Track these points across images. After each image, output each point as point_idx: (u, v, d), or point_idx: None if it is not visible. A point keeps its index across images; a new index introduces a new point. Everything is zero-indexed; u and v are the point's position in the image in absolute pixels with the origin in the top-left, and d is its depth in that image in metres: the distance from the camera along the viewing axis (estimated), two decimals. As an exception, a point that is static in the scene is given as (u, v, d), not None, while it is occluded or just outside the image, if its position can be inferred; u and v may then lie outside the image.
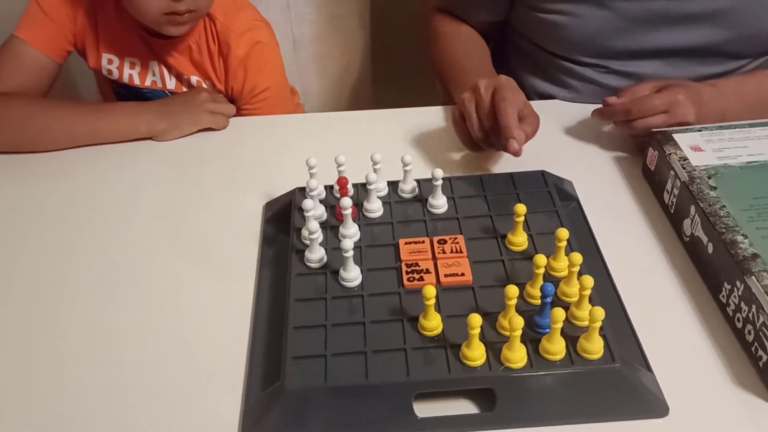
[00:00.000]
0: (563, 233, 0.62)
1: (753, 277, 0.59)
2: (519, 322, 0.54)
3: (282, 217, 0.74)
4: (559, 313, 0.54)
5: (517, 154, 0.73)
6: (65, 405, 0.59)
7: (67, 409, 0.59)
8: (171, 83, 1.01)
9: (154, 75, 1.00)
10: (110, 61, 0.99)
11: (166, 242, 0.75)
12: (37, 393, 0.60)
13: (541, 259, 0.59)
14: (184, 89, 1.01)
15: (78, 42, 0.98)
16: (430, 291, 0.57)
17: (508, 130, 0.73)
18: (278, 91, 1.04)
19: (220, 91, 1.01)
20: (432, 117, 0.92)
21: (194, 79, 1.00)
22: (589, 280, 0.57)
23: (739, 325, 0.60)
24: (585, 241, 0.70)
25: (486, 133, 0.77)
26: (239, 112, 1.02)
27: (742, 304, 0.60)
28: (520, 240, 0.66)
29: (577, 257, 0.59)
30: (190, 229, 0.76)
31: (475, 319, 0.54)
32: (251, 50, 0.98)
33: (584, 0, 0.88)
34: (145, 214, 0.79)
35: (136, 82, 1.00)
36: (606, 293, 0.64)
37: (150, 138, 0.90)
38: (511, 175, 0.76)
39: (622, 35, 0.89)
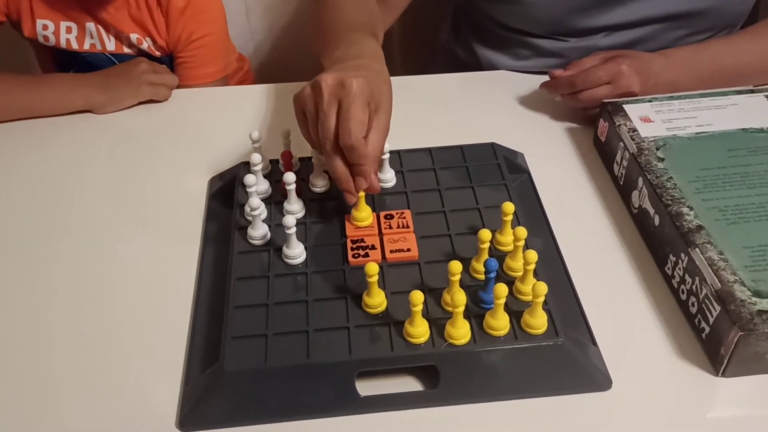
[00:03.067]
0: (509, 207, 0.61)
1: (697, 249, 0.59)
2: (461, 298, 0.53)
3: (226, 193, 0.72)
4: (502, 289, 0.53)
5: (360, 189, 0.62)
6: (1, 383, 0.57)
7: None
8: (110, 44, 0.97)
9: (92, 37, 0.96)
10: (45, 27, 0.95)
11: (106, 219, 0.72)
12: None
13: (485, 234, 0.58)
14: (125, 49, 0.98)
15: (12, 11, 0.94)
16: (373, 268, 0.55)
17: (356, 168, 0.61)
18: (216, 40, 1.01)
19: (162, 47, 0.99)
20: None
21: (134, 36, 0.97)
22: (532, 255, 0.56)
23: (684, 297, 0.60)
24: (534, 214, 0.70)
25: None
26: (177, 66, 1.00)
27: (686, 276, 0.60)
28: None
29: (522, 231, 0.58)
30: (132, 205, 0.74)
31: (417, 296, 0.53)
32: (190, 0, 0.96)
33: None
34: (85, 189, 0.76)
35: (74, 46, 0.97)
36: (554, 267, 0.64)
37: (89, 111, 0.87)
38: (461, 147, 0.75)
39: (585, 13, 0.88)
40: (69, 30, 0.96)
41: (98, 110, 0.87)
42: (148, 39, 0.97)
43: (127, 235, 0.70)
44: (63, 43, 0.96)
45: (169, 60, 1.01)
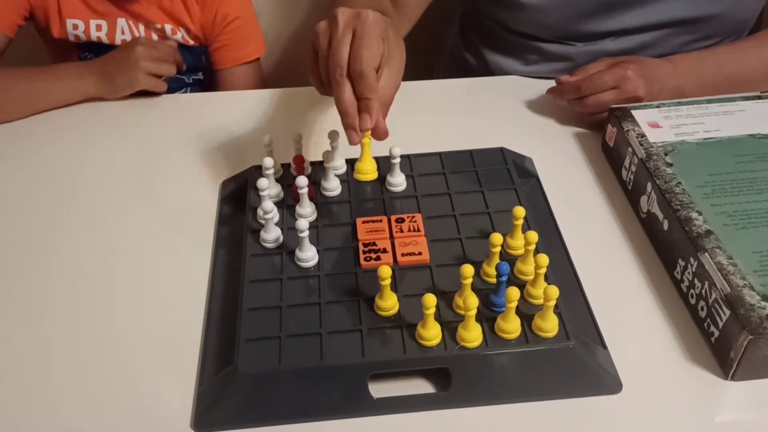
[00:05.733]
0: (520, 211, 0.61)
1: (706, 254, 0.59)
2: (473, 301, 0.54)
3: (238, 196, 0.72)
4: (514, 293, 0.54)
5: (365, 128, 0.59)
6: (14, 387, 0.58)
7: (14, 391, 0.57)
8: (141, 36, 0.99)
9: (123, 33, 0.98)
10: (75, 26, 0.97)
11: (119, 220, 0.73)
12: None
13: (497, 238, 0.59)
14: (155, 37, 0.99)
15: (39, 13, 0.95)
16: (386, 271, 0.56)
17: (363, 102, 0.59)
18: (250, 19, 1.04)
19: (196, 35, 1.00)
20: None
21: (168, 27, 0.99)
22: (544, 259, 0.57)
23: (693, 301, 0.61)
24: (544, 218, 0.70)
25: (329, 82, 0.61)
26: (216, 51, 1.02)
27: (696, 281, 0.60)
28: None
29: (533, 235, 0.59)
30: (145, 206, 0.75)
31: (430, 299, 0.54)
32: None
33: None
34: (97, 191, 0.77)
35: (106, 42, 0.98)
36: (563, 270, 0.65)
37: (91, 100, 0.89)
38: (470, 152, 0.75)
39: (591, 18, 0.89)
40: (99, 28, 0.97)
41: (103, 97, 0.88)
42: (181, 29, 0.99)
43: (139, 237, 0.71)
44: (94, 40, 0.97)
45: (202, 51, 1.04)
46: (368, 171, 0.59)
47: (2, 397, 0.57)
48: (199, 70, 1.07)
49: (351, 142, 0.60)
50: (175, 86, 1.05)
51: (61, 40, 0.98)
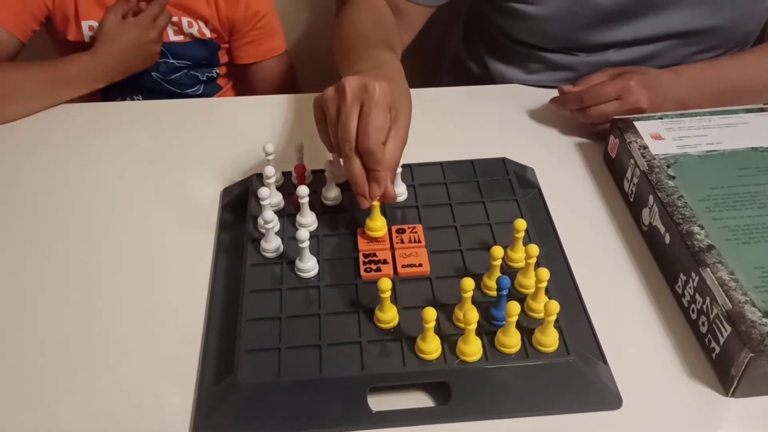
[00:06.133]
0: (521, 224, 0.61)
1: (708, 269, 0.59)
2: (474, 316, 0.53)
3: (239, 204, 0.72)
4: (514, 307, 0.54)
5: (374, 197, 0.62)
6: (11, 393, 0.57)
7: (10, 398, 0.57)
8: None
9: None
10: (91, 28, 0.97)
11: (119, 224, 0.73)
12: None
13: (498, 251, 0.59)
14: (173, 37, 1.01)
15: (58, 17, 0.96)
16: (386, 284, 0.56)
17: (372, 174, 0.62)
18: (275, 17, 1.07)
19: (215, 29, 1.02)
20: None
21: (185, 20, 1.00)
22: (544, 273, 0.57)
23: (694, 316, 0.61)
24: (545, 229, 0.70)
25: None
26: (244, 45, 1.05)
27: (697, 296, 0.60)
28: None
29: (534, 249, 0.59)
30: (145, 213, 0.74)
31: (430, 313, 0.53)
32: None
33: None
34: (98, 193, 0.77)
35: None
36: (564, 283, 0.64)
37: None
38: (472, 162, 0.75)
39: (595, 29, 0.88)
40: None
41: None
42: (197, 22, 1.00)
43: (140, 241, 0.71)
44: None
45: (216, 47, 1.05)
46: (378, 228, 0.64)
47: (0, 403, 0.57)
48: (213, 66, 1.07)
49: (362, 207, 0.63)
50: (188, 83, 1.05)
51: (73, 43, 0.98)
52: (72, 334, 0.62)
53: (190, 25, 1.00)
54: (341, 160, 0.64)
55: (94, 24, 0.97)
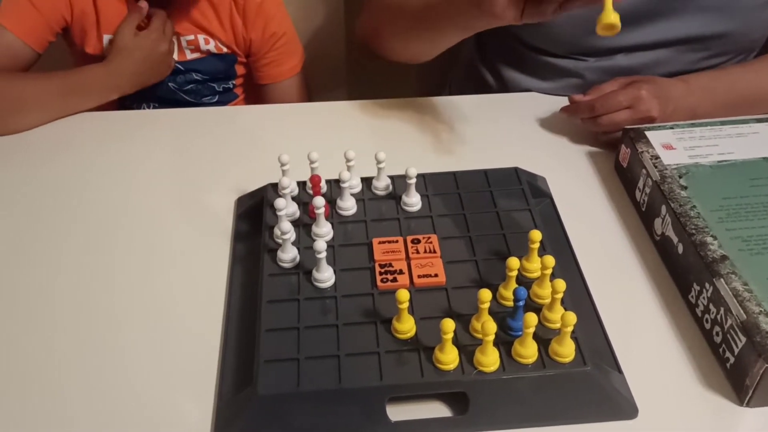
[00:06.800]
0: (536, 235, 0.62)
1: (722, 279, 0.60)
2: (492, 327, 0.54)
3: (254, 214, 0.73)
4: (532, 318, 0.54)
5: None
6: (26, 404, 0.58)
7: (28, 409, 0.58)
8: (175, 53, 1.01)
9: None
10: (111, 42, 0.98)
11: (133, 234, 0.73)
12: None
13: (514, 262, 0.59)
14: (189, 55, 1.02)
15: (76, 29, 0.96)
16: (404, 295, 0.56)
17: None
18: (293, 36, 1.08)
19: (229, 46, 1.03)
20: (406, 109, 0.91)
21: (201, 38, 1.01)
22: (561, 284, 0.57)
23: (708, 326, 0.61)
24: (557, 239, 0.70)
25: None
26: (263, 66, 1.06)
27: (711, 306, 0.60)
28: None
29: (550, 260, 0.59)
30: (159, 223, 0.75)
31: (448, 324, 0.54)
32: None
33: None
34: (111, 203, 0.77)
35: None
36: (578, 292, 0.65)
37: None
38: (485, 171, 0.75)
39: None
40: None
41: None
42: (213, 40, 1.02)
43: (154, 253, 0.71)
44: None
45: (233, 60, 1.06)
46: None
47: (18, 413, 0.57)
48: (230, 78, 1.08)
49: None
50: (204, 93, 1.06)
51: (92, 56, 0.99)
52: (88, 345, 0.63)
53: (207, 42, 1.01)
54: None
55: None
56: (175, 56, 1.01)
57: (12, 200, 0.78)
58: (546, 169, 0.79)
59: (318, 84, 1.25)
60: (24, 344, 0.63)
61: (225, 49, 1.03)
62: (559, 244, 0.70)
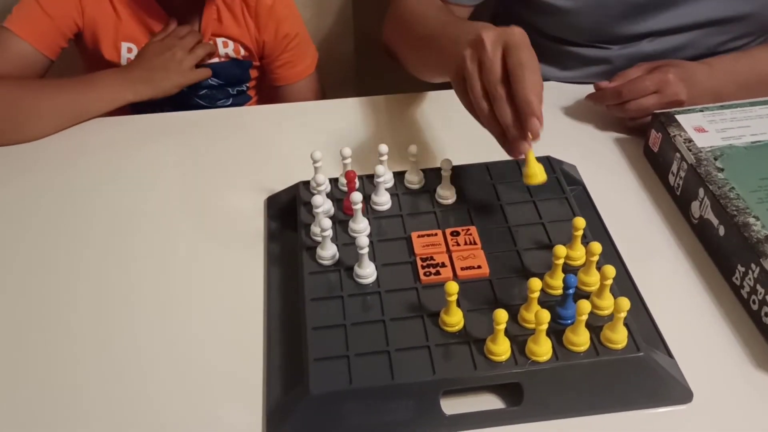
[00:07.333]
0: (580, 222, 0.61)
1: (768, 260, 0.59)
2: (545, 316, 0.53)
3: (287, 213, 0.72)
4: (586, 306, 0.54)
5: (536, 136, 0.60)
6: (71, 408, 0.57)
7: (74, 414, 0.57)
8: None
9: None
10: (129, 50, 0.97)
11: (162, 243, 0.72)
12: (30, 396, 0.58)
13: (561, 250, 0.59)
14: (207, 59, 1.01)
15: (88, 35, 0.95)
16: (453, 287, 0.56)
17: (528, 106, 0.59)
18: (305, 37, 1.07)
19: (249, 49, 1.02)
20: (431, 103, 0.90)
21: (220, 40, 1.00)
22: (611, 270, 0.57)
23: (755, 307, 0.61)
24: (594, 226, 0.70)
25: (491, 105, 0.62)
26: (277, 68, 1.05)
27: (758, 287, 0.60)
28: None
29: (597, 247, 0.59)
30: (186, 228, 0.74)
31: (501, 315, 0.53)
32: None
33: None
34: (140, 206, 0.76)
35: None
36: (620, 279, 0.64)
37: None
38: (517, 162, 0.75)
39: (627, 20, 0.88)
40: None
41: (145, 100, 0.91)
42: (232, 43, 1.01)
43: (189, 257, 0.71)
44: None
45: (248, 65, 1.05)
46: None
47: (40, 426, 0.57)
48: (243, 82, 1.07)
49: (518, 154, 0.61)
50: (219, 97, 1.05)
51: (107, 62, 0.98)
52: (134, 355, 0.62)
53: (225, 45, 1.00)
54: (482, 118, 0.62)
55: (133, 47, 0.97)
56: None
57: (32, 209, 0.77)
58: (575, 158, 0.78)
59: (327, 83, 1.24)
60: (47, 353, 0.62)
61: (243, 51, 1.02)
62: (596, 230, 0.69)
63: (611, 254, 0.67)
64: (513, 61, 0.60)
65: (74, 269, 0.70)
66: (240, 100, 1.08)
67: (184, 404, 0.58)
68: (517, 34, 0.61)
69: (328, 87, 1.24)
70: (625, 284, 0.64)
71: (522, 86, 0.59)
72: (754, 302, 0.61)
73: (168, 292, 0.67)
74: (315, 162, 0.69)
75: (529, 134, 0.60)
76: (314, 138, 0.85)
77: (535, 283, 0.55)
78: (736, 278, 0.63)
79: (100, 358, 0.61)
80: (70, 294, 0.67)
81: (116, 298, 0.67)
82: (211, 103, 1.05)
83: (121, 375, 0.60)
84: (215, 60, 1.01)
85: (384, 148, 0.70)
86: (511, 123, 0.61)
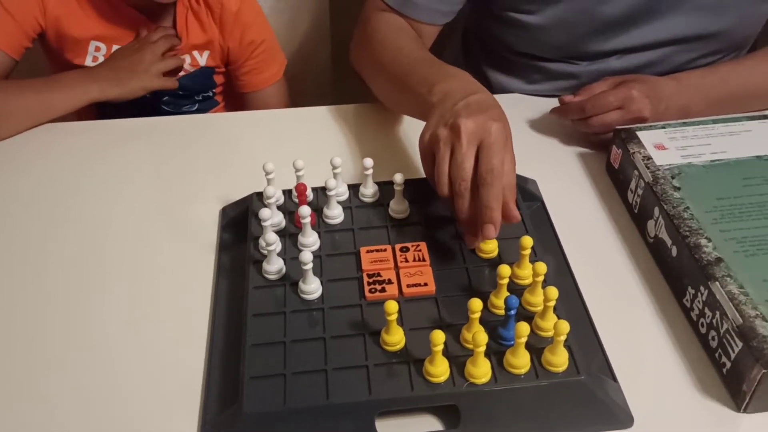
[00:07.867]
0: (527, 241, 0.61)
1: (717, 283, 0.58)
2: (483, 338, 0.53)
3: (239, 224, 0.71)
4: (524, 328, 0.53)
5: (488, 238, 0.60)
6: (14, 416, 0.56)
7: (17, 421, 0.56)
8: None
9: None
10: (97, 49, 0.97)
11: (116, 246, 0.72)
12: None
13: (505, 270, 0.58)
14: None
15: (51, 34, 0.94)
16: (392, 306, 0.55)
17: (488, 212, 0.60)
18: (273, 43, 1.06)
19: (214, 55, 1.01)
20: (391, 114, 0.89)
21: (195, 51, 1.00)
22: (553, 292, 0.56)
23: (703, 330, 0.60)
24: (549, 243, 0.69)
25: (452, 194, 0.63)
26: (243, 74, 1.04)
27: (706, 310, 0.59)
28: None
29: (542, 267, 0.58)
30: (141, 234, 0.73)
31: (438, 336, 0.53)
32: (242, 4, 0.99)
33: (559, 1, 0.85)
34: (94, 214, 0.76)
35: None
36: (571, 298, 0.64)
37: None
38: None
39: (596, 37, 0.88)
40: None
41: (111, 101, 0.90)
42: (193, 53, 1.01)
43: (138, 265, 0.70)
44: None
45: (211, 71, 1.04)
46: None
47: (8, 424, 0.56)
48: (209, 88, 1.07)
49: (469, 246, 0.65)
50: (183, 103, 1.04)
51: (71, 63, 0.97)
52: (71, 361, 0.61)
53: (201, 53, 1.00)
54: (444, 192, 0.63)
55: (102, 46, 0.96)
56: None
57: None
58: (537, 172, 0.78)
59: (304, 91, 1.24)
60: (10, 359, 0.61)
61: (202, 63, 1.01)
62: (550, 248, 0.68)
63: (564, 273, 0.66)
64: (484, 166, 0.60)
65: (32, 276, 0.69)
66: (206, 105, 1.07)
67: (120, 413, 0.57)
68: (494, 132, 0.61)
69: (305, 95, 1.24)
70: (575, 304, 0.63)
71: (486, 192, 0.60)
72: (702, 325, 0.60)
73: (117, 298, 0.67)
74: (267, 174, 0.69)
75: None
76: (278, 147, 0.84)
77: (476, 304, 0.55)
78: (687, 300, 0.62)
79: (49, 361, 0.61)
80: (30, 300, 0.67)
81: (70, 302, 0.66)
82: (176, 109, 1.04)
83: (61, 379, 0.59)
84: (181, 74, 1.01)
85: (338, 160, 0.69)
86: (466, 220, 0.62)
